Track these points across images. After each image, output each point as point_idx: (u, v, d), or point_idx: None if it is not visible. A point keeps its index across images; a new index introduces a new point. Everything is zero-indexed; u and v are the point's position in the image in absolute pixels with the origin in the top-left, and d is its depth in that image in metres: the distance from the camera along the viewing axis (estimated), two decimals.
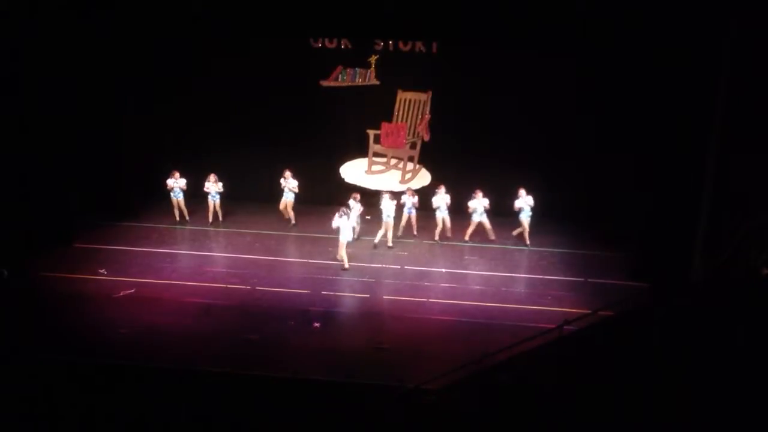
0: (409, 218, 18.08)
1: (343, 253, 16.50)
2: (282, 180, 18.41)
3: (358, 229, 17.98)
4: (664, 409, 9.87)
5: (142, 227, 18.74)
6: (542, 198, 17.55)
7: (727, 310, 10.97)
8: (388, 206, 17.47)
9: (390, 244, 17.80)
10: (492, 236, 17.91)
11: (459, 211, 18.00)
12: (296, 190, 18.45)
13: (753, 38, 13.44)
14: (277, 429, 11.01)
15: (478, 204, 17.58)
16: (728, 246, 12.27)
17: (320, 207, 18.78)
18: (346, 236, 16.42)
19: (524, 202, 17.40)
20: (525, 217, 17.55)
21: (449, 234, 18.06)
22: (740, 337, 10.25)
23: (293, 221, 18.82)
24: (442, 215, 17.79)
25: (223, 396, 11.53)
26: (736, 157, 13.99)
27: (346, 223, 16.37)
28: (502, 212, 18.09)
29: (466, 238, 17.97)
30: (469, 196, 17.63)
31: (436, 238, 18.01)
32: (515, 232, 17.94)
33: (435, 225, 18.06)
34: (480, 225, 17.82)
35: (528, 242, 17.83)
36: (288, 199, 18.60)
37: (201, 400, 11.38)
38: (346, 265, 16.50)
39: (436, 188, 17.81)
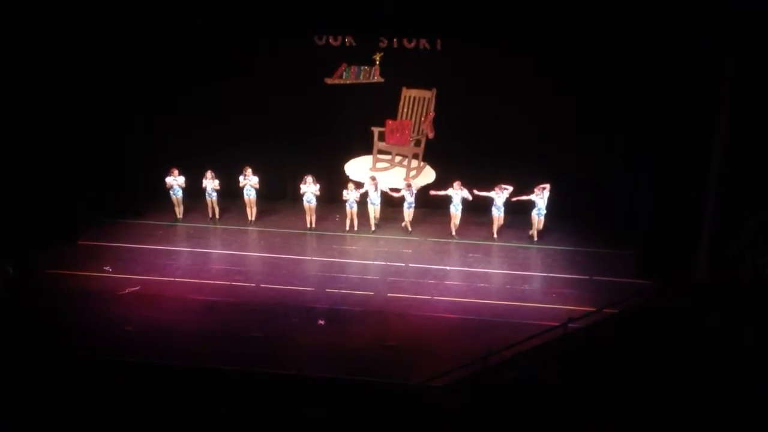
0: (408, 214, 18.16)
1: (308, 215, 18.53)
2: (242, 177, 18.32)
3: (356, 222, 18.34)
4: (669, 407, 9.86)
5: (146, 224, 18.73)
6: (549, 196, 17.48)
7: (732, 309, 10.96)
8: (372, 193, 18.01)
9: (372, 228, 18.34)
10: (453, 231, 18.00)
11: (474, 209, 18.04)
12: (257, 187, 18.44)
13: (759, 34, 13.41)
14: (281, 426, 11.02)
15: (455, 194, 17.60)
16: (734, 244, 12.24)
17: (323, 204, 18.75)
18: (308, 200, 18.19)
19: (538, 197, 17.32)
20: (536, 215, 17.54)
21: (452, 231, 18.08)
22: (746, 336, 10.24)
23: (252, 218, 18.84)
24: (455, 210, 17.82)
25: (227, 393, 11.54)
26: (741, 154, 13.95)
27: (306, 188, 18.08)
28: (509, 210, 18.02)
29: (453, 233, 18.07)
30: (474, 193, 17.61)
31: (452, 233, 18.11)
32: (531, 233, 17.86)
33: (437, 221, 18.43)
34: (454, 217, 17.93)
35: (535, 239, 17.83)
36: (250, 196, 18.58)
37: (205, 397, 11.38)
38: (314, 225, 18.47)
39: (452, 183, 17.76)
